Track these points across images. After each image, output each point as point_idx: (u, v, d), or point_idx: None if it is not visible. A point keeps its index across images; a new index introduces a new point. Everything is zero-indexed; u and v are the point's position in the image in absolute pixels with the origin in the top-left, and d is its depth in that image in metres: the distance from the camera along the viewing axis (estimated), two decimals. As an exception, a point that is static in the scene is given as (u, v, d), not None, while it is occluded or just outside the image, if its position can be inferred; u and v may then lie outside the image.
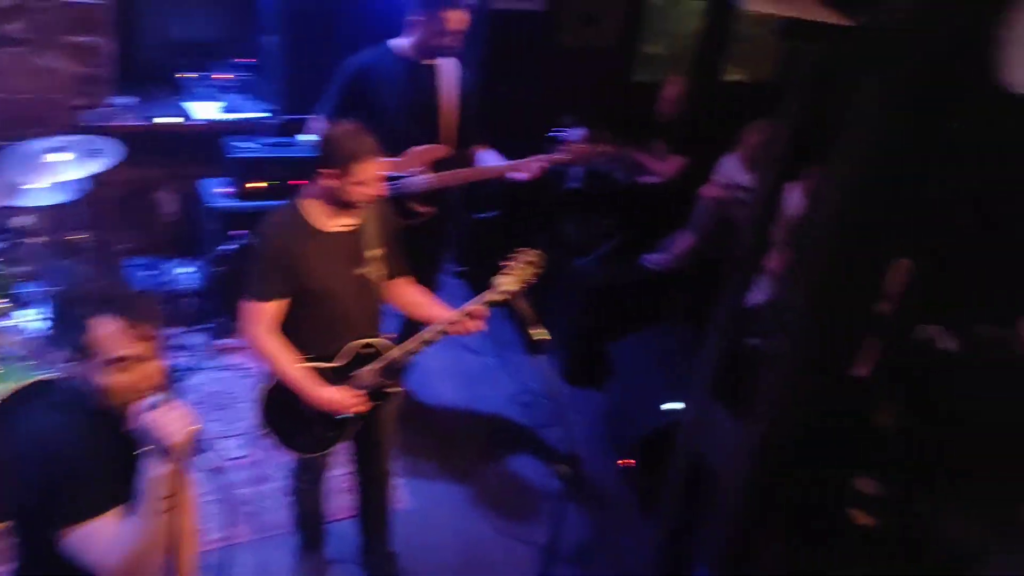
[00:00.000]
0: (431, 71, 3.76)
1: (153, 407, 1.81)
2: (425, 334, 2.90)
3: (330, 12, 4.44)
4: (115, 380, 1.86)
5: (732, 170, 4.72)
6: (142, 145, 4.57)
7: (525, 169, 3.74)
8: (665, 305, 4.86)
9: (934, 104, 2.27)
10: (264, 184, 4.54)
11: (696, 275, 4.63)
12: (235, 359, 4.65)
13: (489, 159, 3.88)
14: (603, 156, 3.93)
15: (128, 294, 1.95)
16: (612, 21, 5.27)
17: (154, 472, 1.79)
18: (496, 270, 2.92)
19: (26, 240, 3.87)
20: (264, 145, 4.61)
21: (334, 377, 2.90)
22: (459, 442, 4.32)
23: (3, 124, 4.58)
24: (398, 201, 3.56)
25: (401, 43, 3.73)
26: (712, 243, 4.60)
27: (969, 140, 2.42)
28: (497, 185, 5.37)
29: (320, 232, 2.82)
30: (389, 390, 3.02)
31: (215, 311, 4.73)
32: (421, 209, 3.78)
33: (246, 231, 4.37)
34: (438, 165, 3.75)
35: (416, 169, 3.72)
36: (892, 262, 2.66)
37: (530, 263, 2.91)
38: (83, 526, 1.81)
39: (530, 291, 2.95)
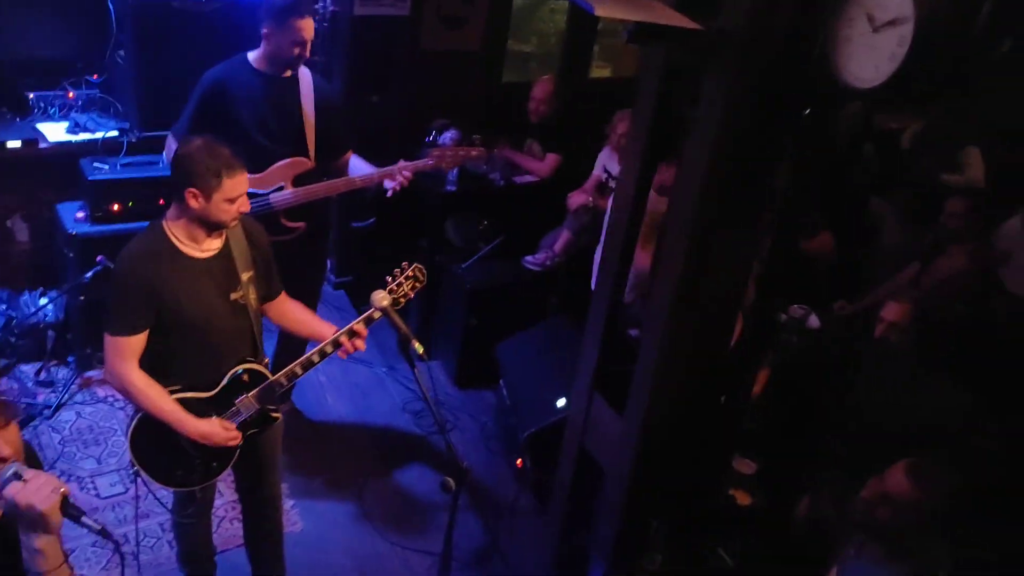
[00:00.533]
0: (289, 83, 3.66)
1: (10, 481, 1.70)
2: (309, 356, 2.83)
3: (184, 24, 4.25)
4: None
5: (607, 161, 4.82)
6: (-10, 171, 4.30)
7: (393, 177, 3.69)
8: (547, 302, 4.92)
9: (776, 101, 2.36)
10: (125, 206, 4.33)
11: (575, 271, 4.69)
12: (104, 391, 4.43)
13: (358, 168, 3.81)
14: (473, 159, 3.91)
15: None
16: (476, 24, 5.28)
17: (35, 547, 1.70)
18: (376, 278, 2.88)
19: None
20: (122, 166, 4.39)
21: (212, 406, 2.79)
22: (349, 457, 4.24)
23: None
24: (266, 218, 3.45)
25: (256, 55, 3.62)
26: (588, 238, 4.67)
27: (813, 134, 2.56)
28: (371, 193, 5.33)
29: (187, 257, 2.70)
30: (272, 414, 2.93)
31: (78, 342, 4.49)
32: (291, 224, 3.68)
33: (105, 257, 4.16)
34: (303, 178, 3.66)
35: (280, 184, 3.63)
36: (753, 248, 2.76)
37: (411, 277, 2.88)
38: None
39: (417, 296, 2.93)
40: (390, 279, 2.86)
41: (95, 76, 4.78)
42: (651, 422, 2.76)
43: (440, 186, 4.97)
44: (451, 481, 2.57)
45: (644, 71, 2.74)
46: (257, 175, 3.49)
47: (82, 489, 3.82)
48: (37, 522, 1.69)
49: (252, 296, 2.84)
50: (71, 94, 4.72)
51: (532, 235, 5.03)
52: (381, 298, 2.77)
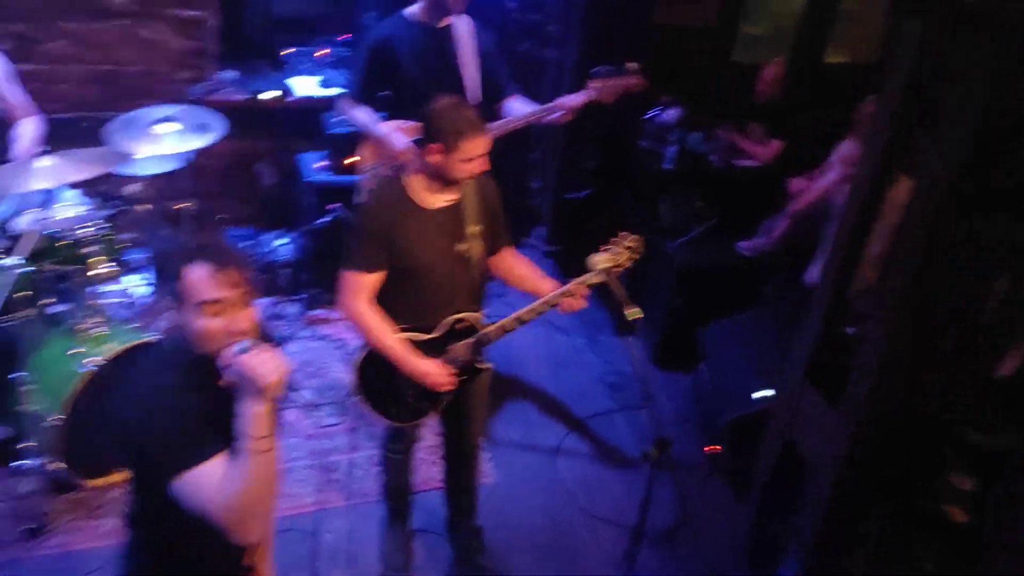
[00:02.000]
0: (446, 32, 3.78)
1: (244, 351, 1.87)
2: (523, 312, 2.91)
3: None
4: (208, 324, 1.93)
5: (850, 152, 4.56)
6: (244, 118, 4.70)
7: (554, 111, 3.71)
8: (757, 290, 4.76)
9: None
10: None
11: (790, 261, 4.51)
12: (327, 330, 4.76)
13: (519, 108, 3.87)
14: (633, 88, 3.77)
15: (219, 245, 2.03)
16: (713, -1, 5.18)
17: (250, 413, 1.86)
18: (586, 250, 2.91)
19: (133, 208, 4.01)
20: (362, 121, 4.66)
21: (428, 350, 2.93)
22: (546, 420, 4.33)
23: (112, 96, 4.77)
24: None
25: (414, 10, 3.79)
26: (808, 229, 4.47)
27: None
28: (590, 162, 5.36)
29: (422, 209, 2.84)
30: (481, 365, 3.04)
31: (309, 283, 4.84)
32: None
33: (340, 204, 4.45)
34: None
35: None
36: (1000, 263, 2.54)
37: (629, 248, 2.89)
38: (189, 473, 1.89)
39: (623, 272, 2.93)
40: (607, 247, 2.87)
41: (344, 36, 5.11)
42: (867, 419, 2.63)
43: (657, 163, 4.92)
44: (655, 451, 2.56)
45: (896, 49, 2.57)
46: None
47: (303, 415, 4.13)
48: (259, 392, 1.84)
49: (477, 249, 2.95)
50: (322, 52, 5.07)
51: (748, 220, 4.87)
52: (600, 261, 2.79)
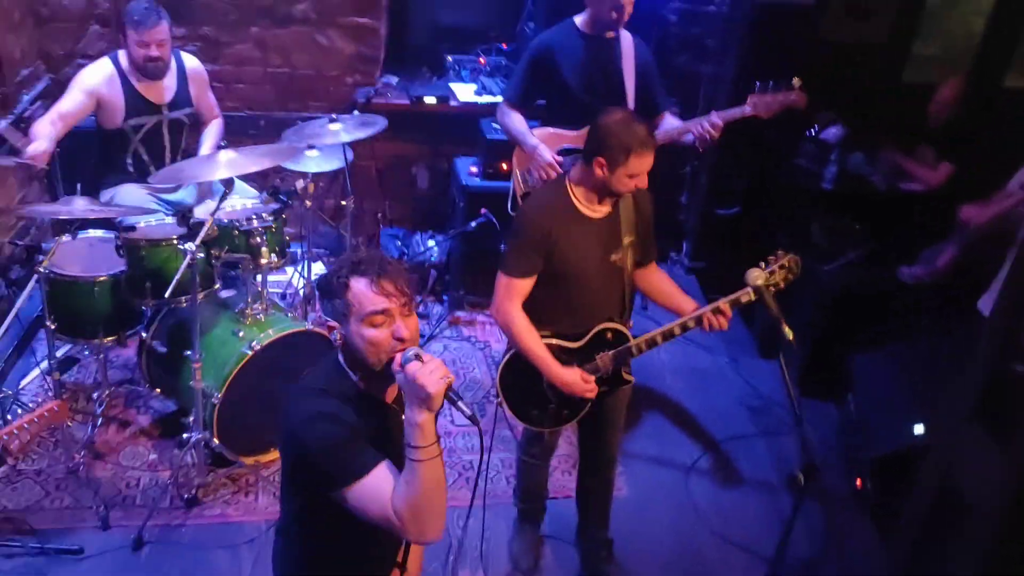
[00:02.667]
0: (610, 44, 3.79)
1: (412, 360, 1.92)
2: (670, 327, 2.89)
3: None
4: (374, 335, 1.99)
5: None
6: (405, 122, 4.89)
7: (695, 128, 3.66)
8: (913, 321, 4.53)
9: None
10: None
11: (953, 291, 4.27)
12: (470, 331, 4.86)
13: (671, 124, 3.84)
14: (792, 103, 3.64)
15: (380, 258, 2.07)
16: (885, 16, 4.96)
17: (417, 421, 1.91)
18: (730, 269, 2.86)
19: (298, 204, 4.23)
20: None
21: (572, 357, 2.95)
22: (682, 438, 4.27)
23: (284, 96, 5.07)
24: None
25: (582, 19, 3.81)
26: (977, 258, 4.22)
27: None
28: (741, 179, 5.26)
29: (581, 216, 2.86)
30: (625, 376, 3.04)
31: (454, 284, 4.97)
32: None
33: (488, 210, 4.54)
34: None
35: None
36: None
37: (785, 267, 2.82)
38: (360, 483, 1.96)
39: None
40: (764, 264, 2.82)
41: (505, 45, 5.22)
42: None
43: (815, 183, 4.77)
44: (801, 476, 2.48)
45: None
46: (581, 131, 3.59)
47: (440, 414, 4.22)
48: (424, 400, 1.89)
49: (629, 260, 2.95)
50: (482, 59, 5.20)
51: (909, 246, 4.64)
52: (756, 277, 2.74)
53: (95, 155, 4.12)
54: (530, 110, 3.95)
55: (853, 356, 4.28)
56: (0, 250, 4.28)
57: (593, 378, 2.94)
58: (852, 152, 4.89)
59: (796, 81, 3.62)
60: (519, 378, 3.01)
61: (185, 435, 3.59)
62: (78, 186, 3.63)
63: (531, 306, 2.90)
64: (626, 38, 3.84)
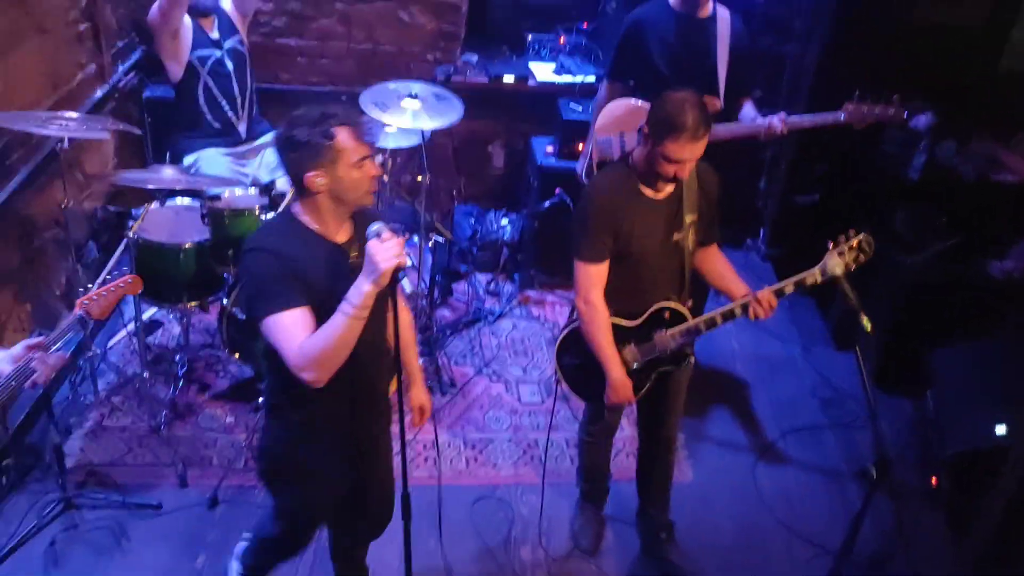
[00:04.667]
0: (704, 24, 3.69)
1: (372, 236, 2.11)
2: (726, 308, 2.87)
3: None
4: (362, 175, 2.23)
5: None
6: (483, 100, 4.90)
7: (760, 131, 3.62)
8: (999, 317, 4.37)
9: None
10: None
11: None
12: (539, 310, 4.88)
13: (747, 114, 3.75)
14: (891, 118, 3.53)
15: (345, 111, 2.26)
16: (981, 1, 4.75)
17: (364, 288, 2.10)
18: (808, 257, 2.79)
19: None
20: (593, 109, 4.72)
21: (631, 336, 2.94)
22: (750, 425, 4.22)
23: (364, 72, 5.13)
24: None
25: None
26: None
27: None
28: (822, 167, 5.12)
29: (644, 196, 2.83)
30: (683, 357, 3.02)
31: (526, 263, 4.98)
32: None
33: (562, 190, 4.54)
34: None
35: None
36: None
37: (857, 247, 2.75)
38: (275, 317, 2.19)
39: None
40: (833, 244, 2.75)
41: (585, 24, 5.18)
42: None
43: (901, 171, 4.62)
44: (873, 470, 2.43)
45: None
46: None
47: (507, 391, 4.28)
48: (372, 273, 2.09)
49: (691, 239, 2.92)
50: (562, 39, 5.18)
51: (999, 240, 4.47)
52: (836, 265, 2.69)
53: (176, 119, 4.20)
54: (625, 85, 3.87)
55: (934, 351, 4.16)
56: (93, 215, 4.47)
57: (632, 396, 2.95)
58: (942, 141, 4.72)
59: (896, 97, 3.52)
60: (576, 355, 3.02)
61: (260, 400, 3.70)
62: (167, 155, 3.76)
63: None
64: (723, 18, 3.73)
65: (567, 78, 5.00)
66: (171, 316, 4.34)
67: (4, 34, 3.57)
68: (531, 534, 3.50)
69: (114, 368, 4.11)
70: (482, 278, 5.05)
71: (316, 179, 2.21)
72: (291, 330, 2.18)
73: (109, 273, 3.96)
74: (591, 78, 4.95)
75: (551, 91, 5.00)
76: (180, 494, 3.52)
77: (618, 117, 3.80)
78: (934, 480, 3.80)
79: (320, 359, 2.17)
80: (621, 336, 2.93)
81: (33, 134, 3.48)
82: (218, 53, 4.02)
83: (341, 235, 2.34)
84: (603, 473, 3.52)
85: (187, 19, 3.88)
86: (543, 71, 5.10)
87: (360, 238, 2.29)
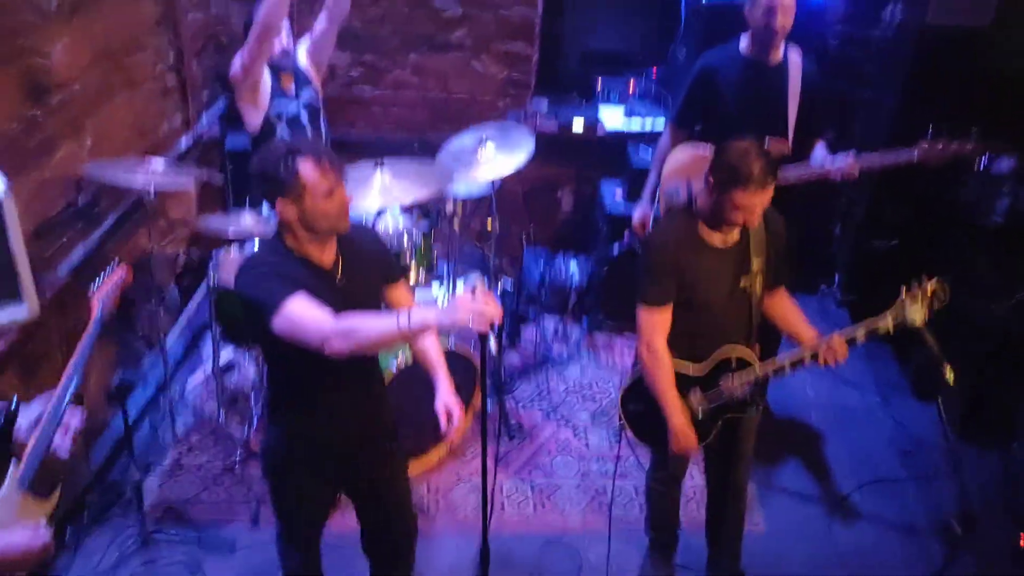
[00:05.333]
0: (776, 71, 3.66)
1: (473, 290, 2.16)
2: (793, 354, 2.82)
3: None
4: (330, 206, 2.32)
5: None
6: (552, 146, 4.96)
7: (832, 172, 3.56)
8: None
9: None
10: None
11: None
12: (606, 355, 4.86)
13: (818, 155, 3.69)
14: (967, 153, 3.42)
15: (308, 142, 2.41)
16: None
17: (425, 314, 2.17)
18: (884, 304, 2.73)
19: (446, 224, 4.35)
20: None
21: (698, 382, 2.92)
22: (826, 476, 4.09)
23: (436, 120, 5.25)
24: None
25: (745, 39, 3.69)
26: None
27: None
28: (898, 210, 5.00)
29: (707, 245, 2.82)
30: (751, 404, 2.97)
31: (594, 307, 4.98)
32: None
33: (632, 235, 4.53)
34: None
35: None
36: None
37: (932, 294, 2.68)
38: (285, 306, 2.21)
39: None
40: (909, 293, 2.69)
41: (654, 70, 5.21)
42: None
43: (984, 216, 4.48)
44: (957, 525, 2.34)
45: None
46: None
47: (575, 436, 4.25)
48: (450, 319, 2.17)
49: (758, 284, 2.89)
50: (631, 84, 5.22)
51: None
52: (915, 312, 2.62)
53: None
54: (691, 131, 3.88)
55: (1021, 400, 4.00)
56: (175, 259, 4.64)
57: (696, 448, 2.93)
58: (1026, 185, 4.57)
59: (974, 130, 3.43)
60: (641, 402, 3.00)
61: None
62: (246, 202, 3.88)
63: None
64: (794, 62, 3.71)
65: (636, 123, 5.03)
66: (247, 358, 4.45)
67: (96, 89, 3.77)
68: (598, 582, 3.46)
69: (192, 408, 4.23)
70: (550, 322, 5.06)
71: (286, 211, 2.32)
72: (308, 308, 2.22)
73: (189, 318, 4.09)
74: (660, 122, 4.97)
75: (621, 137, 5.04)
76: (253, 532, 3.58)
77: (684, 164, 3.80)
78: (1023, 538, 3.63)
79: (352, 332, 2.20)
80: (687, 383, 2.91)
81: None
82: (294, 106, 4.15)
83: (325, 258, 2.43)
84: (672, 521, 3.46)
85: (267, 74, 4.02)
86: (612, 116, 5.14)
87: (346, 261, 2.45)
